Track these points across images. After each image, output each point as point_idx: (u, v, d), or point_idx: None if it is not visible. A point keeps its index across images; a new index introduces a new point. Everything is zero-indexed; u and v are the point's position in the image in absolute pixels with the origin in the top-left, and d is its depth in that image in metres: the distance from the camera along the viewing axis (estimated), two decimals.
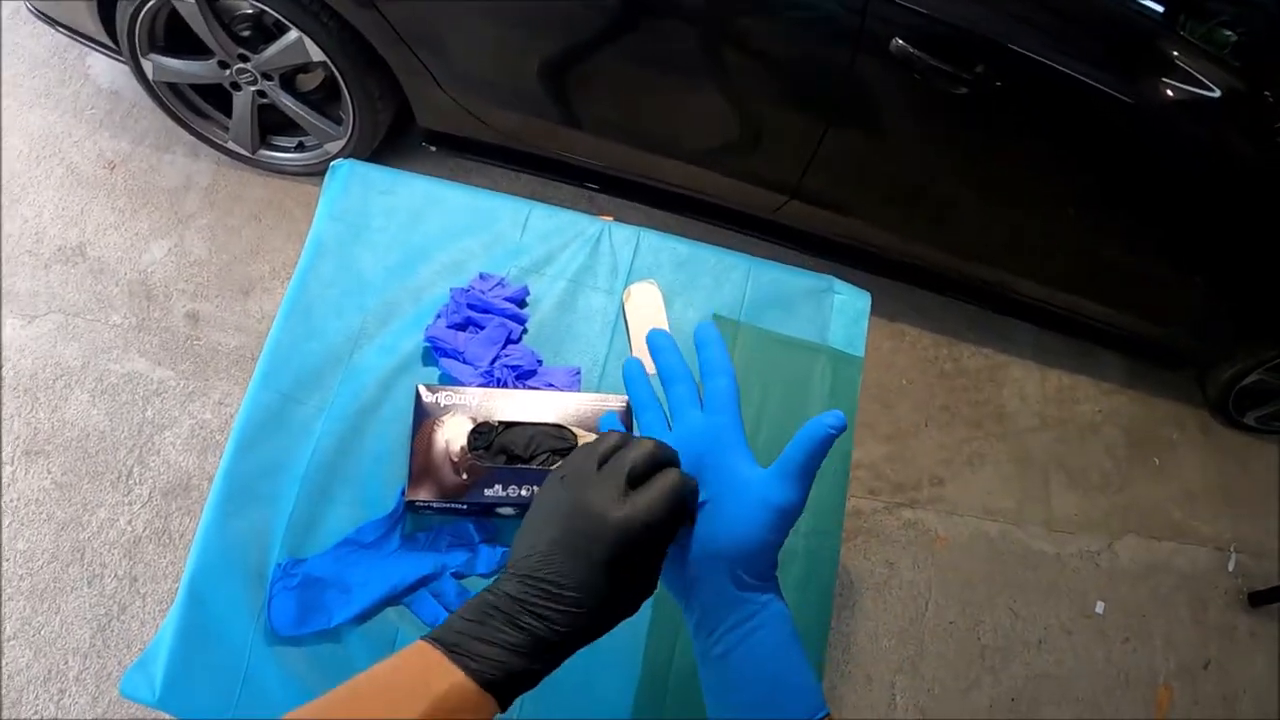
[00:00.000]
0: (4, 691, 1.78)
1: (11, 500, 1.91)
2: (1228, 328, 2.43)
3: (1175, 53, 1.75)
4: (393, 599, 1.03)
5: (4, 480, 1.92)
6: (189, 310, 2.14)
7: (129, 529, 1.92)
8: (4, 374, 2.01)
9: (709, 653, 0.57)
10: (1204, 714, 2.36)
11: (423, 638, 0.51)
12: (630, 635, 1.05)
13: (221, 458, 1.08)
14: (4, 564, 1.86)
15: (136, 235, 2.20)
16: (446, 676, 0.49)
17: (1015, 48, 1.65)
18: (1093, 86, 1.70)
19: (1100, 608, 2.38)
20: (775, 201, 2.10)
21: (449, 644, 0.50)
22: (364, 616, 1.02)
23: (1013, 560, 2.35)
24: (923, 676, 2.13)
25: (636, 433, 0.65)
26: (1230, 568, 2.57)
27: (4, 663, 1.80)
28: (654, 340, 0.68)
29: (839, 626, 2.13)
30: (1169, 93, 1.74)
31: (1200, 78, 1.74)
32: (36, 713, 1.77)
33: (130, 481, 1.95)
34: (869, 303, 1.31)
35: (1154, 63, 1.76)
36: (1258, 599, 2.52)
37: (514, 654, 0.50)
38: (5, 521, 1.89)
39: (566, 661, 0.53)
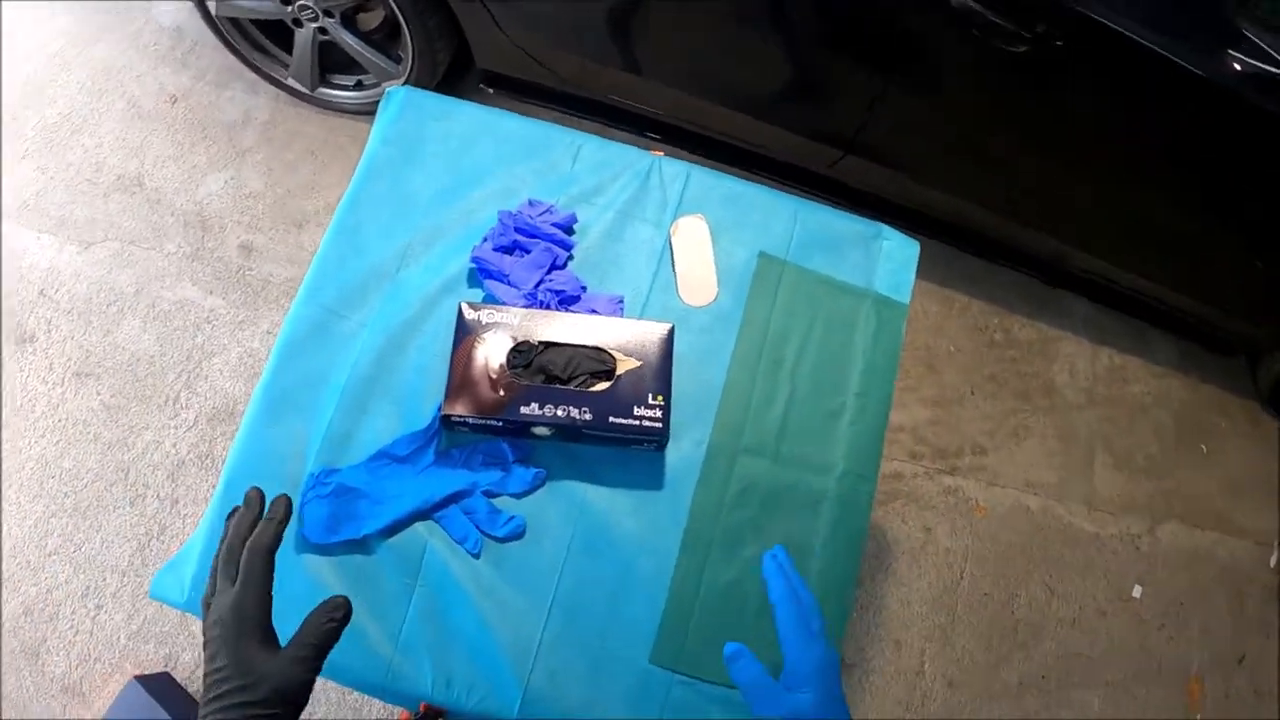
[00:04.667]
0: (42, 606, 1.83)
1: (60, 420, 1.96)
2: None
3: (1244, 26, 1.69)
4: (423, 513, 1.03)
5: (53, 400, 1.97)
6: (242, 242, 2.17)
7: (173, 451, 1.96)
8: (59, 297, 2.05)
9: None
10: (1236, 709, 2.31)
11: None
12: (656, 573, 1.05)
13: (264, 368, 1.09)
14: (49, 481, 1.91)
15: (194, 168, 2.23)
16: None
17: (1078, 8, 1.60)
18: (1157, 53, 1.63)
19: (1138, 592, 2.33)
20: (831, 156, 2.07)
21: None
22: (394, 529, 1.02)
23: (1052, 536, 2.30)
24: (953, 646, 2.11)
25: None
26: (1272, 563, 2.50)
27: (43, 577, 1.85)
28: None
29: (871, 589, 2.11)
30: (1236, 66, 1.68)
31: (1271, 53, 1.67)
32: (73, 627, 1.82)
33: (177, 406, 1.99)
34: (917, 251, 1.28)
35: (1223, 34, 1.69)
36: None
37: None
38: (53, 440, 1.94)
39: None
